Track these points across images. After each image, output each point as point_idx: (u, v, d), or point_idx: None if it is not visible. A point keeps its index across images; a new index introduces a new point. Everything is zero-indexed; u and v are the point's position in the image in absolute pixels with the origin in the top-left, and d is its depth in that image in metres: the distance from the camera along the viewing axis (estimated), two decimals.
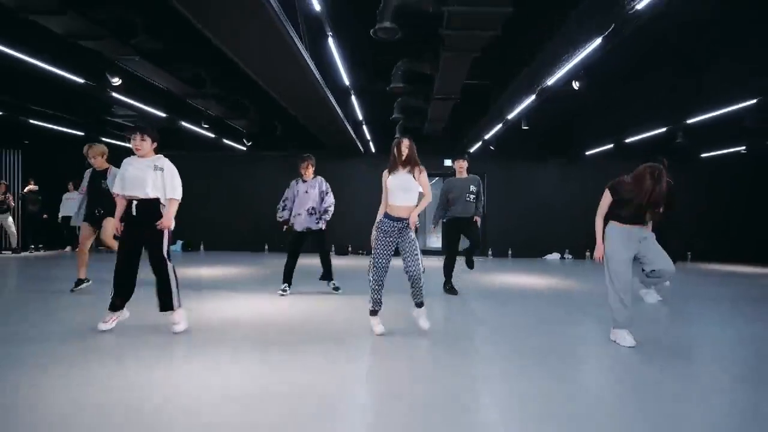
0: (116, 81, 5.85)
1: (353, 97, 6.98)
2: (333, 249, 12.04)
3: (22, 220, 11.22)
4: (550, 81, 5.84)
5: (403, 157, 3.92)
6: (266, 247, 12.41)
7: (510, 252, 12.36)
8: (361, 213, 12.24)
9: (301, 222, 5.63)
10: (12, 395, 2.54)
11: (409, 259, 3.86)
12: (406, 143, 3.97)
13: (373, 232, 3.94)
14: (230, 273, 7.96)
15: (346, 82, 5.96)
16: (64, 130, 9.86)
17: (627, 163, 10.47)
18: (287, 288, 5.70)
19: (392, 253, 3.89)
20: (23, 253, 10.51)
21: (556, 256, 12.29)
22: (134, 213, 3.70)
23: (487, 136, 9.79)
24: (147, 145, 3.77)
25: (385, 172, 4.01)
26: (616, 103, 8.53)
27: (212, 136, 10.26)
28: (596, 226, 3.79)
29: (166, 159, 3.85)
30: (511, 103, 7.02)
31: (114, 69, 5.75)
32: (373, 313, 3.98)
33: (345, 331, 4.11)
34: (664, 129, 9.05)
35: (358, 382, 2.99)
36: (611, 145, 10.69)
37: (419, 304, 4.04)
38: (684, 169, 11.98)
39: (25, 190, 11.03)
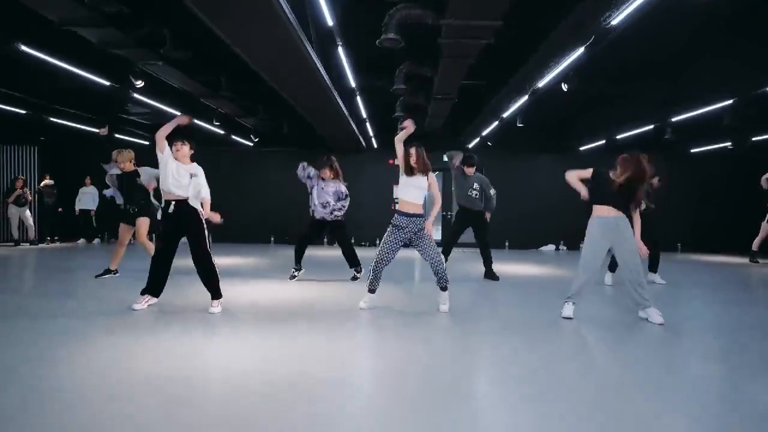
0: (139, 83, 6.30)
1: (358, 97, 7.45)
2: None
3: (39, 213, 11.67)
4: (541, 83, 6.32)
5: (418, 165, 4.35)
6: (272, 239, 12.89)
7: (507, 244, 12.85)
8: (365, 207, 12.76)
9: (319, 212, 5.91)
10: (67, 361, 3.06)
11: (430, 253, 4.30)
12: (417, 152, 4.39)
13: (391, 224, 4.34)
14: (241, 263, 8.37)
15: (353, 83, 6.43)
16: (80, 126, 10.31)
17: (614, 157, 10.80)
18: (298, 271, 6.00)
19: (400, 248, 4.36)
20: (40, 245, 10.99)
21: (551, 247, 12.77)
22: (171, 210, 4.19)
23: (484, 133, 10.25)
24: (186, 149, 4.30)
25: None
26: (606, 102, 8.99)
27: (222, 132, 10.72)
28: (571, 180, 4.31)
29: (200, 167, 4.40)
30: (506, 102, 7.50)
31: (138, 72, 6.21)
32: (372, 291, 4.44)
33: (347, 311, 4.50)
34: (651, 126, 9.52)
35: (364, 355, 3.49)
36: (603, 141, 11.16)
37: (444, 288, 4.43)
38: (674, 164, 12.51)
39: (41, 185, 11.49)
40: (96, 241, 11.84)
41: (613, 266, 5.98)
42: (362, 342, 3.71)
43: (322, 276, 6.67)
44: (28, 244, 10.99)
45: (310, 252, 6.43)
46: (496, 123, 9.06)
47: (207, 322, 4.03)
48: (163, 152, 4.17)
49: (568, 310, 4.20)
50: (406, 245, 4.47)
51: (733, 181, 12.42)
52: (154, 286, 4.31)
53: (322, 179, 6.10)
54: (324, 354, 3.21)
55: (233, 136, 11.38)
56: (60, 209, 11.54)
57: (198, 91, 7.03)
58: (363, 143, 11.74)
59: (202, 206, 4.40)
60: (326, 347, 3.37)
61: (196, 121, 9.53)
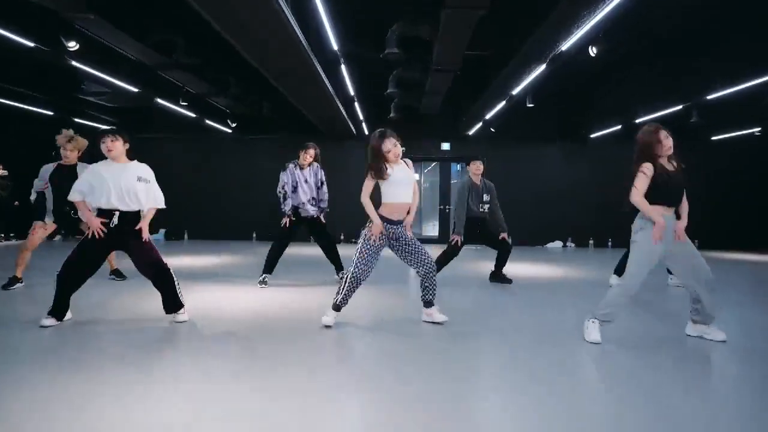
0: (73, 45, 5.13)
1: (343, 67, 6.29)
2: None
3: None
4: (565, 46, 5.20)
5: (393, 154, 3.52)
6: (254, 235, 11.78)
7: (510, 240, 11.77)
8: (355, 200, 11.54)
9: (306, 211, 5.27)
10: None
11: (418, 255, 3.61)
12: (392, 141, 3.55)
13: (366, 232, 3.56)
14: (214, 263, 7.39)
15: (334, 46, 5.27)
16: (32, 109, 9.10)
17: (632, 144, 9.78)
18: (267, 279, 5.22)
19: (378, 257, 3.63)
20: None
21: (558, 244, 11.74)
22: (114, 224, 3.46)
23: (488, 116, 9.14)
24: (119, 146, 3.51)
25: (370, 180, 3.55)
26: (630, 77, 7.90)
27: (193, 115, 9.53)
28: (642, 206, 3.18)
29: (146, 166, 3.69)
30: (518, 75, 6.37)
31: (70, 32, 5.04)
32: (338, 308, 3.63)
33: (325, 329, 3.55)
34: (680, 107, 8.42)
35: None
36: (619, 126, 10.08)
37: (430, 303, 3.73)
38: (695, 152, 11.47)
39: None
40: (57, 237, 10.68)
41: (620, 270, 5.29)
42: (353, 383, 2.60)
43: (300, 278, 5.72)
44: None
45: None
46: (503, 103, 7.93)
47: (159, 341, 2.93)
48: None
49: (595, 331, 3.27)
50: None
51: (761, 171, 11.42)
52: (63, 306, 3.51)
53: (301, 168, 5.28)
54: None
55: (207, 121, 10.18)
56: (16, 203, 10.39)
57: (151, 58, 5.84)
58: (353, 128, 10.60)
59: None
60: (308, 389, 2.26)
61: (159, 100, 8.35)
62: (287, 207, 5.20)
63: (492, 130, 10.56)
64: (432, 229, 13.03)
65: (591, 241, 11.40)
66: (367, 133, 11.44)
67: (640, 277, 3.21)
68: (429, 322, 3.73)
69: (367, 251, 3.52)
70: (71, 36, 5.09)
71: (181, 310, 3.65)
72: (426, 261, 3.62)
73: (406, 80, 7.14)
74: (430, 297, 3.72)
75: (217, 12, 4.35)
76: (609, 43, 5.21)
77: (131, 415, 2.06)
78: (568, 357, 3.00)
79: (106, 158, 3.54)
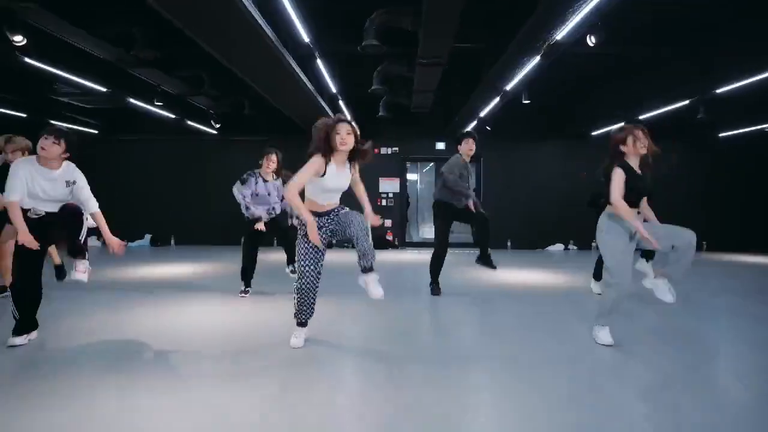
0: (19, 40, 4.69)
1: (320, 62, 5.80)
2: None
3: None
4: (559, 35, 4.71)
5: (347, 147, 3.06)
6: (243, 240, 11.32)
7: (509, 243, 11.29)
8: (351, 203, 11.12)
9: (263, 216, 5.00)
10: None
11: (353, 222, 3.07)
12: (348, 128, 3.06)
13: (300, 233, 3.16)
14: (198, 271, 7.09)
15: (305, 38, 4.80)
16: (4, 111, 8.70)
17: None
18: (249, 289, 5.09)
19: (326, 251, 3.26)
20: None
21: (559, 246, 11.24)
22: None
23: (482, 113, 8.64)
24: (56, 150, 3.20)
25: (318, 159, 3.03)
26: (633, 70, 7.38)
27: (173, 116, 9.09)
28: (621, 209, 3.18)
29: (73, 166, 3.37)
30: (510, 68, 5.88)
31: (14, 25, 4.59)
32: (302, 324, 3.34)
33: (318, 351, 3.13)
34: (686, 101, 7.90)
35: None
36: (621, 124, 9.54)
37: (369, 269, 3.07)
38: (701, 149, 10.95)
39: None
40: None
41: (597, 274, 5.35)
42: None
43: (276, 286, 5.40)
44: None
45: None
46: (497, 100, 7.43)
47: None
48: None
49: (604, 334, 3.37)
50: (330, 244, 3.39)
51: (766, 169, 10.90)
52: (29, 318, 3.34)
53: (265, 180, 5.02)
54: None
55: (189, 122, 9.73)
56: None
57: (112, 55, 5.39)
58: None
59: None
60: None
61: (133, 100, 7.92)
62: (251, 213, 4.90)
63: (488, 128, 10.05)
64: (429, 232, 12.54)
65: (594, 243, 10.91)
66: (359, 133, 10.97)
67: (627, 270, 3.20)
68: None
69: (304, 255, 3.15)
70: (16, 29, 4.64)
71: (82, 262, 3.42)
72: (356, 225, 3.07)
73: (391, 76, 6.67)
74: (369, 262, 3.08)
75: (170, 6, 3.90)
76: (607, 33, 4.71)
77: None
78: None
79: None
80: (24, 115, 8.85)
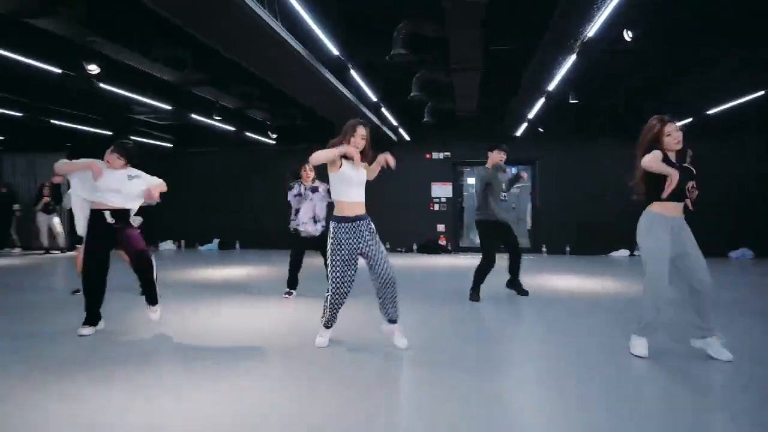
0: (93, 69, 5.39)
1: (353, 73, 6.01)
2: None
3: (69, 220, 11.55)
4: (591, 32, 4.53)
5: (364, 148, 3.33)
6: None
7: (567, 249, 10.80)
8: (400, 210, 11.33)
9: (310, 229, 5.25)
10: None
11: (380, 260, 3.23)
12: (363, 133, 3.33)
13: (332, 243, 3.26)
14: (253, 273, 7.59)
15: (335, 51, 5.03)
16: (92, 130, 9.88)
17: (711, 141, 8.64)
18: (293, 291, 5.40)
19: (357, 260, 3.28)
20: (69, 253, 10.74)
21: (624, 252, 10.54)
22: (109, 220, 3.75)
23: (531, 115, 8.41)
24: (118, 163, 3.83)
25: (337, 151, 3.21)
26: (700, 58, 6.74)
27: (232, 129, 9.81)
28: (652, 164, 3.02)
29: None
30: (547, 68, 5.72)
31: (89, 56, 5.29)
32: (328, 326, 3.50)
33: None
34: (762, 92, 7.14)
35: None
36: (690, 120, 8.84)
37: (394, 320, 3.37)
38: None
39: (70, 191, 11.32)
40: None
41: None
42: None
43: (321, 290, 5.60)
44: (59, 252, 10.83)
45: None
46: (542, 100, 7.22)
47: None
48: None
49: (640, 345, 3.22)
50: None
51: None
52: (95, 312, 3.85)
53: (303, 186, 5.25)
54: None
55: (249, 133, 10.41)
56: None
57: (171, 77, 5.98)
58: (392, 135, 10.32)
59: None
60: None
61: (194, 115, 8.65)
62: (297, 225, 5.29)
63: (540, 130, 9.76)
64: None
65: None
66: (408, 139, 11.11)
67: (663, 276, 3.04)
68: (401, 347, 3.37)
69: (339, 265, 3.21)
70: (91, 60, 5.33)
71: (155, 308, 3.98)
72: (387, 269, 3.25)
73: (430, 82, 6.73)
74: (394, 315, 3.35)
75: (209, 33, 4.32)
76: (643, 26, 4.45)
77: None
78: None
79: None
80: (109, 133, 9.97)
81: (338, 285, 3.23)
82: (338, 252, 3.19)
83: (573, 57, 5.19)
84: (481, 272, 5.13)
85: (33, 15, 4.17)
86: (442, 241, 11.24)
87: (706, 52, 6.10)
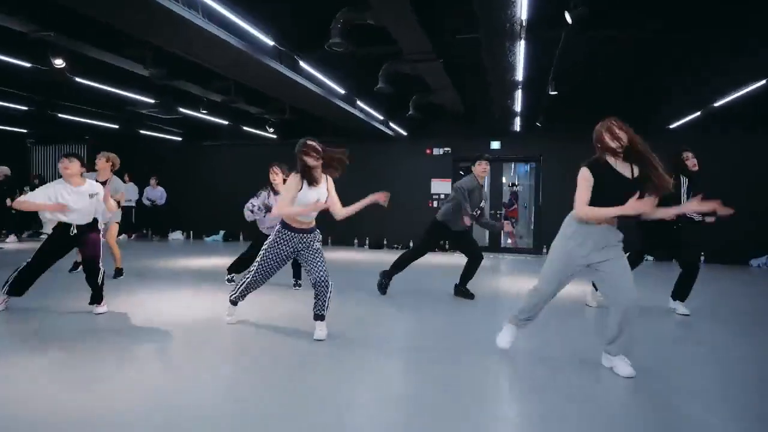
0: (59, 63, 5.68)
1: (302, 63, 5.98)
2: (367, 243, 11.31)
3: None
4: (522, 13, 4.24)
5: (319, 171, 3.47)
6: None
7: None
8: (396, 205, 11.08)
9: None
10: None
11: (317, 264, 3.46)
12: (314, 143, 3.44)
13: (272, 238, 3.54)
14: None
15: (269, 42, 5.01)
16: (100, 123, 10.44)
17: (721, 136, 7.97)
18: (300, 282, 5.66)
19: (287, 263, 3.58)
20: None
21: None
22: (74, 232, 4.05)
23: (518, 108, 8.05)
24: (74, 167, 4.04)
25: (296, 179, 3.40)
26: (704, 45, 6.15)
27: (226, 123, 10.06)
28: (603, 213, 2.93)
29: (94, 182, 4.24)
30: (496, 57, 5.39)
31: (57, 50, 5.60)
32: (234, 303, 3.86)
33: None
34: (764, 81, 6.44)
35: None
36: (698, 113, 8.15)
37: (319, 316, 3.52)
38: None
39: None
40: (133, 236, 12.13)
41: (678, 293, 4.71)
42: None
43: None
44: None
45: None
46: (519, 91, 6.88)
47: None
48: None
49: (508, 333, 3.31)
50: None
51: None
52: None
53: (274, 192, 5.49)
54: None
55: (247, 128, 10.64)
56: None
57: (143, 71, 6.19)
58: (385, 129, 10.20)
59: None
60: None
61: (182, 109, 8.93)
62: (255, 216, 5.56)
63: (538, 124, 9.31)
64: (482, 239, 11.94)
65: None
66: (405, 134, 10.94)
67: (558, 282, 3.05)
68: (318, 339, 3.46)
69: (269, 261, 3.47)
70: (56, 55, 5.63)
71: (100, 305, 4.16)
72: (321, 272, 3.45)
73: (397, 74, 6.57)
74: (321, 311, 3.50)
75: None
76: (672, 14, 4.06)
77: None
78: None
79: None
80: (116, 126, 10.51)
81: (261, 277, 3.55)
82: (273, 251, 3.47)
83: (521, 43, 4.89)
84: (402, 261, 5.22)
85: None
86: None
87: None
